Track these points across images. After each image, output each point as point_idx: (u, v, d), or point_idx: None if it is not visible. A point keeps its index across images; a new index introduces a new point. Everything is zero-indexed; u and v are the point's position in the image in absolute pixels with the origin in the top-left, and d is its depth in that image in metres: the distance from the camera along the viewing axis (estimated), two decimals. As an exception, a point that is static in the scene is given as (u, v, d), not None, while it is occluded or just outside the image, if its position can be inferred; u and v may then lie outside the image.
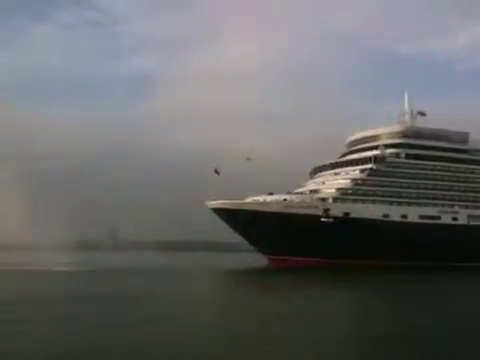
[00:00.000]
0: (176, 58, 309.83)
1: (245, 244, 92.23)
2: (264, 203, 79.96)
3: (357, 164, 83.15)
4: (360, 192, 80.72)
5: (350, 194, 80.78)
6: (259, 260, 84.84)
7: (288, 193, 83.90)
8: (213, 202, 79.88)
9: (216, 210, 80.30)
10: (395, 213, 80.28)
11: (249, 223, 77.60)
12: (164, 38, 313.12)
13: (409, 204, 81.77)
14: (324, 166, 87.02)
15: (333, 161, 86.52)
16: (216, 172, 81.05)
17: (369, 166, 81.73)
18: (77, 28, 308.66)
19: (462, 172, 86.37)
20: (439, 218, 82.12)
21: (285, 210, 77.72)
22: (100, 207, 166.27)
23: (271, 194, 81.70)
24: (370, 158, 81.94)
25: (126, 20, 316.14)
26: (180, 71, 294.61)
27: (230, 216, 79.27)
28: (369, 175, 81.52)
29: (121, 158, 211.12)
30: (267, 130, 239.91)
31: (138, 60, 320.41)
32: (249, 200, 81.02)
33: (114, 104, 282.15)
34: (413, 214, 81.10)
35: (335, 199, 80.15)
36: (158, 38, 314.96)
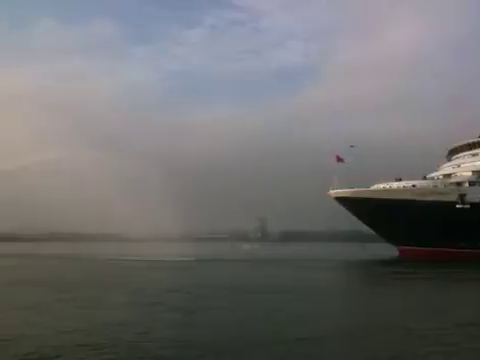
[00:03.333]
0: (320, 49, 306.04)
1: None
2: (391, 190, 74.98)
3: (499, 142, 73.54)
4: (502, 174, 71.30)
5: (490, 177, 71.85)
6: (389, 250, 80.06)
7: (423, 178, 77.59)
8: (336, 191, 77.19)
9: (339, 199, 77.48)
10: None
11: (375, 212, 73.56)
12: (308, 30, 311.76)
13: None
14: (461, 147, 78.22)
15: (471, 141, 77.49)
16: (339, 160, 77.91)
17: (513, 144, 71.79)
18: (222, 29, 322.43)
19: None
20: None
21: (414, 197, 72.03)
22: (251, 200, 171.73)
23: (399, 180, 76.15)
24: (514, 135, 71.92)
25: (268, 16, 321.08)
26: (326, 62, 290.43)
27: (354, 205, 75.84)
28: (513, 154, 71.61)
29: (271, 151, 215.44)
30: (406, 114, 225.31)
31: (282, 54, 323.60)
32: (374, 187, 76.65)
33: (262, 99, 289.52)
34: None
35: (472, 183, 71.90)
36: (302, 31, 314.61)
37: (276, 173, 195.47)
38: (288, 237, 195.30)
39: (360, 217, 79.19)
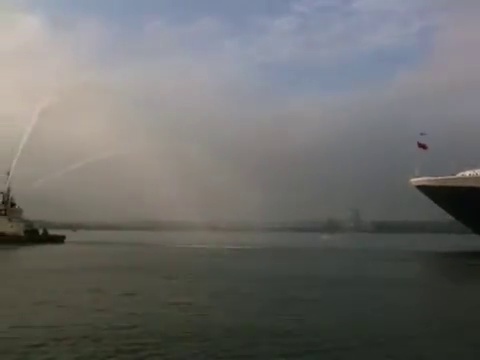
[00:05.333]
0: (418, 30, 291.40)
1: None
2: (478, 178, 70.03)
3: None
4: None
5: None
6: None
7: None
8: (417, 179, 73.62)
9: (421, 188, 73.82)
10: None
11: (460, 201, 69.28)
12: (404, 11, 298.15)
13: None
14: None
15: None
16: (421, 146, 73.99)
17: None
18: (312, 15, 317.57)
19: None
20: None
21: (504, 185, 66.89)
22: (345, 189, 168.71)
23: (487, 167, 70.90)
24: None
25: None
26: (425, 43, 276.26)
27: (437, 194, 71.87)
28: None
29: (366, 139, 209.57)
30: None
31: (376, 37, 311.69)
32: (460, 175, 72.01)
33: (356, 86, 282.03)
34: None
35: None
36: (397, 11, 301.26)
37: (370, 162, 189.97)
38: (381, 227, 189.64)
39: (444, 207, 75.03)
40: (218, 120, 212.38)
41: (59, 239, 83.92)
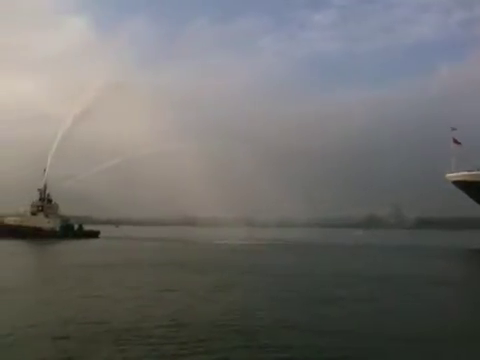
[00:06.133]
0: (461, 21, 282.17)
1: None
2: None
3: None
4: None
5: None
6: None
7: None
8: (454, 174, 71.26)
9: (458, 183, 71.43)
10: None
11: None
12: (447, 1, 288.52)
13: None
14: None
15: None
16: (456, 142, 71.66)
17: None
18: (352, 8, 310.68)
19: None
20: None
21: None
22: (387, 184, 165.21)
23: None
24: None
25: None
26: (469, 35, 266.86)
27: (474, 189, 69.39)
28: None
29: (407, 133, 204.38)
30: None
31: (418, 29, 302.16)
32: (494, 169, 69.28)
33: (397, 79, 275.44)
34: None
35: None
36: (440, 2, 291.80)
37: (414, 157, 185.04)
38: (423, 224, 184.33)
39: (480, 202, 72.31)
40: (256, 118, 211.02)
41: (94, 234, 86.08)
